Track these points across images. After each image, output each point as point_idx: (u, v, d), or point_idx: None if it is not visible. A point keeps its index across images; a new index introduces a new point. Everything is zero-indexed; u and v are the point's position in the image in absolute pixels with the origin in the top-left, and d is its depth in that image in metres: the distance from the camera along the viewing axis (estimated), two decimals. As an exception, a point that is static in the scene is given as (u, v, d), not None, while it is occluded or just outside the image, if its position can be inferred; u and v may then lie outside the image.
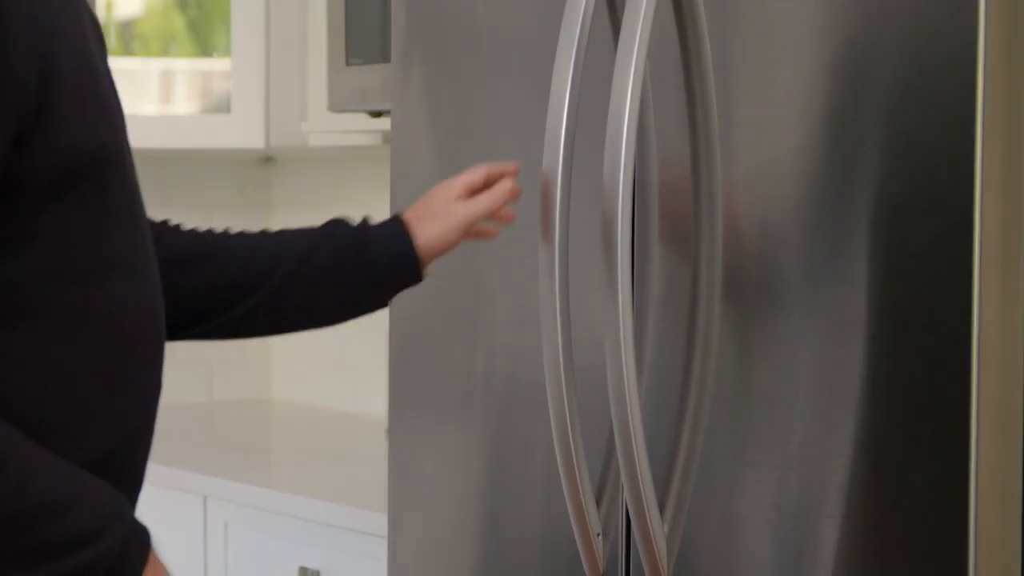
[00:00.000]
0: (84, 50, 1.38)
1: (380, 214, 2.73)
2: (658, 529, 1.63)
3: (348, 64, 2.72)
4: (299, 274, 1.68)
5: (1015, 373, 1.48)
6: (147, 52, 3.18)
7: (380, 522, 2.28)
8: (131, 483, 1.48)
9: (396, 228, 1.75)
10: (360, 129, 2.87)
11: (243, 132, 3.04)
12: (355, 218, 1.79)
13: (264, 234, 1.74)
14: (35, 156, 1.34)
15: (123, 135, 1.45)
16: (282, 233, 1.74)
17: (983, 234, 1.45)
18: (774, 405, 1.59)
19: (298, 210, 3.46)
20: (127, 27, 3.18)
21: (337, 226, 1.75)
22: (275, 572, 2.52)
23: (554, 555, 1.83)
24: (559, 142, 1.67)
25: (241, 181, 3.51)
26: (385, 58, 2.65)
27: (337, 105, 2.75)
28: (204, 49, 3.17)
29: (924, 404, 1.49)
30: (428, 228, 1.75)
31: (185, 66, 3.18)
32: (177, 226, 1.72)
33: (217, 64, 3.14)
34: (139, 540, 1.42)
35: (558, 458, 1.69)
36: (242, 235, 1.73)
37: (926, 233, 1.48)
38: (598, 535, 1.71)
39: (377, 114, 2.75)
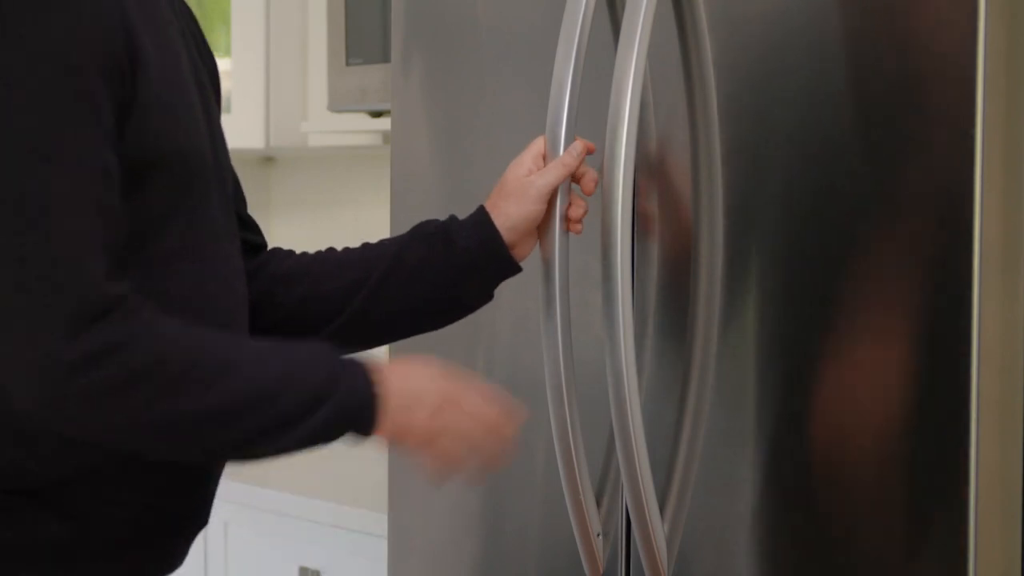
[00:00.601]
0: (173, 50, 1.48)
1: (380, 214, 2.73)
2: (658, 529, 1.63)
3: (348, 64, 2.72)
4: (391, 274, 1.70)
5: (1015, 373, 1.48)
6: (147, 52, 3.18)
7: (380, 522, 2.27)
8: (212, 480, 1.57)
9: (479, 215, 1.74)
10: (360, 129, 2.87)
11: (243, 132, 3.04)
12: (439, 219, 1.80)
13: (363, 245, 1.76)
14: (124, 145, 1.41)
15: (200, 151, 1.52)
16: (380, 242, 1.76)
17: (983, 233, 1.45)
18: (776, 404, 1.59)
19: (298, 210, 3.46)
20: (127, 27, 3.18)
21: (425, 225, 1.76)
22: (275, 572, 2.52)
23: (554, 555, 1.83)
24: (559, 141, 1.67)
25: (241, 181, 3.50)
26: (385, 58, 2.65)
27: (337, 105, 2.75)
28: (204, 49, 3.17)
29: (925, 404, 1.49)
30: (508, 208, 1.73)
31: (185, 66, 3.17)
32: (289, 251, 1.78)
33: (217, 64, 3.14)
34: (363, 381, 1.47)
35: (558, 458, 1.69)
36: (344, 249, 1.76)
37: (928, 230, 1.48)
38: (598, 535, 1.71)
39: (377, 114, 2.75)
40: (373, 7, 2.69)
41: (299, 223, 3.40)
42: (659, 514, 1.64)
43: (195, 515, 1.57)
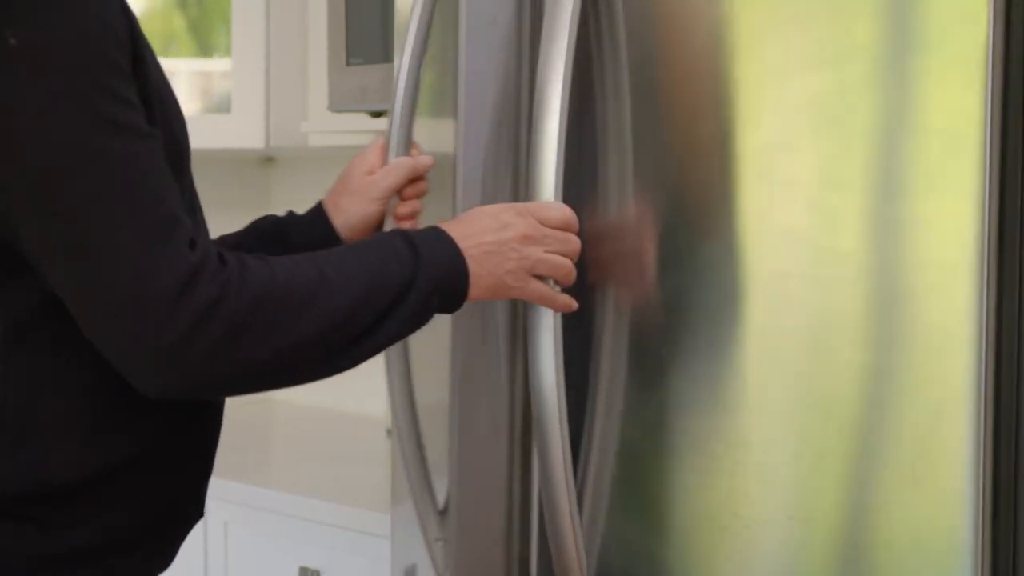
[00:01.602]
0: (151, 50, 1.47)
1: (380, 214, 2.72)
2: (576, 534, 1.59)
3: (348, 64, 2.72)
4: None
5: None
6: (147, 52, 3.18)
7: (380, 522, 2.28)
8: (203, 468, 1.58)
9: (316, 212, 1.78)
10: (360, 129, 2.87)
11: (243, 132, 3.04)
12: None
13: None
14: None
15: (185, 135, 1.53)
16: (220, 237, 1.76)
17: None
18: (733, 407, 1.57)
19: (298, 210, 3.45)
20: (127, 27, 3.18)
21: (263, 220, 1.79)
22: (275, 572, 2.52)
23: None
24: (401, 143, 1.73)
25: (241, 181, 3.50)
26: (385, 58, 2.65)
27: (337, 105, 2.75)
28: (204, 49, 3.17)
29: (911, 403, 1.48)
30: (348, 206, 1.77)
31: (185, 66, 3.17)
32: None
33: (217, 64, 3.14)
34: (441, 249, 1.51)
35: (399, 463, 1.72)
36: None
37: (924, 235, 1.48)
38: (438, 540, 1.74)
39: (377, 114, 2.75)
40: (373, 7, 2.69)
41: (299, 223, 3.39)
42: (578, 518, 1.60)
43: (196, 510, 1.59)
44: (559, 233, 1.55)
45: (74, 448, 1.45)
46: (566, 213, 1.56)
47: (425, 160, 1.78)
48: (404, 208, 1.76)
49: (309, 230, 1.75)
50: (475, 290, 1.53)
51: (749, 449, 1.53)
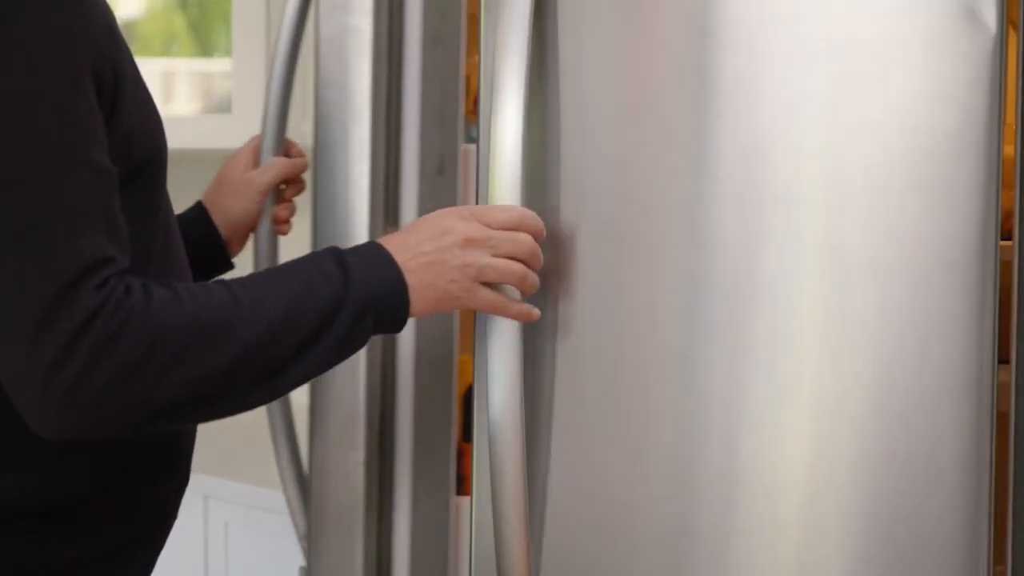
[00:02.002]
0: (131, 58, 1.44)
1: (380, 214, 2.71)
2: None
3: (348, 64, 2.72)
4: None
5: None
6: (148, 52, 3.18)
7: (380, 522, 2.27)
8: (183, 476, 1.54)
9: (196, 211, 1.78)
10: (360, 129, 2.87)
11: (243, 132, 3.03)
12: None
13: None
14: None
15: (165, 146, 1.49)
16: None
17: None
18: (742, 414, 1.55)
19: (299, 210, 3.45)
20: (128, 28, 3.18)
21: None
22: (275, 572, 2.51)
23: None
24: (275, 139, 1.78)
25: (242, 181, 3.50)
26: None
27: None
28: (205, 49, 3.17)
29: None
30: (228, 204, 1.78)
31: (186, 66, 3.17)
32: None
33: (218, 64, 3.14)
34: (373, 267, 1.41)
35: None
36: None
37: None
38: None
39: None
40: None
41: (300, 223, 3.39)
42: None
43: (176, 513, 1.57)
44: (507, 234, 1.42)
45: (70, 464, 1.43)
46: (513, 213, 1.42)
47: (300, 159, 1.80)
48: (282, 212, 1.78)
49: (191, 228, 1.71)
50: (417, 305, 1.41)
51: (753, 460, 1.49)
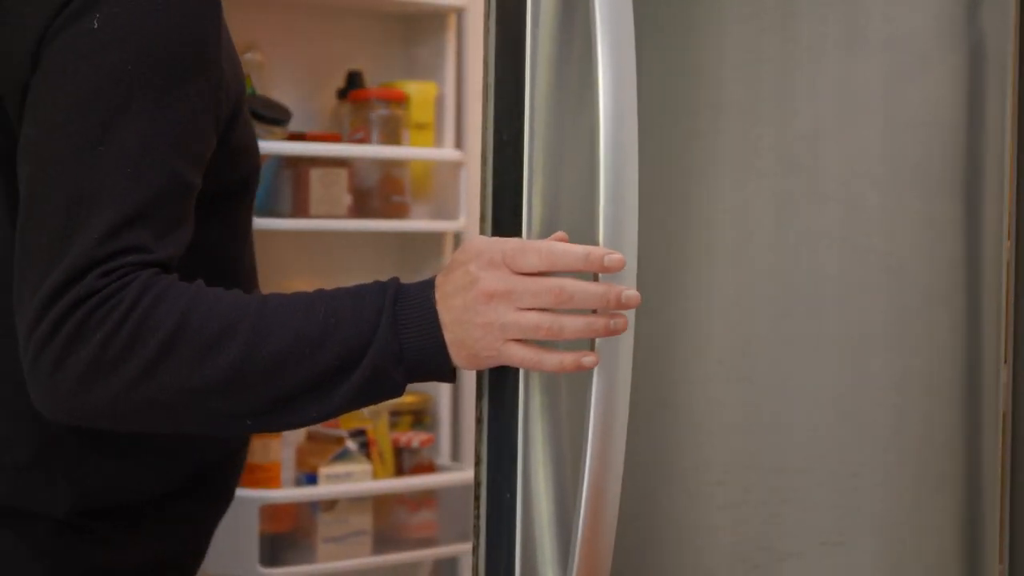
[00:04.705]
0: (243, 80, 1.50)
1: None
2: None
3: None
4: None
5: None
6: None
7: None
8: (225, 494, 1.56)
9: None
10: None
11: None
12: None
13: None
14: (213, 170, 1.38)
15: (259, 164, 1.55)
16: None
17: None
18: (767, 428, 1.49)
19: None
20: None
21: None
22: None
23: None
24: None
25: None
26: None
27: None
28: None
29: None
30: None
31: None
32: None
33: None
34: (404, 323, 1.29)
35: None
36: None
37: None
38: None
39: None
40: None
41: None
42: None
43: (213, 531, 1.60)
44: (531, 284, 1.27)
45: (141, 467, 1.45)
46: (544, 255, 1.27)
47: None
48: None
49: None
50: (458, 360, 1.30)
51: (783, 474, 1.44)
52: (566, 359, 1.28)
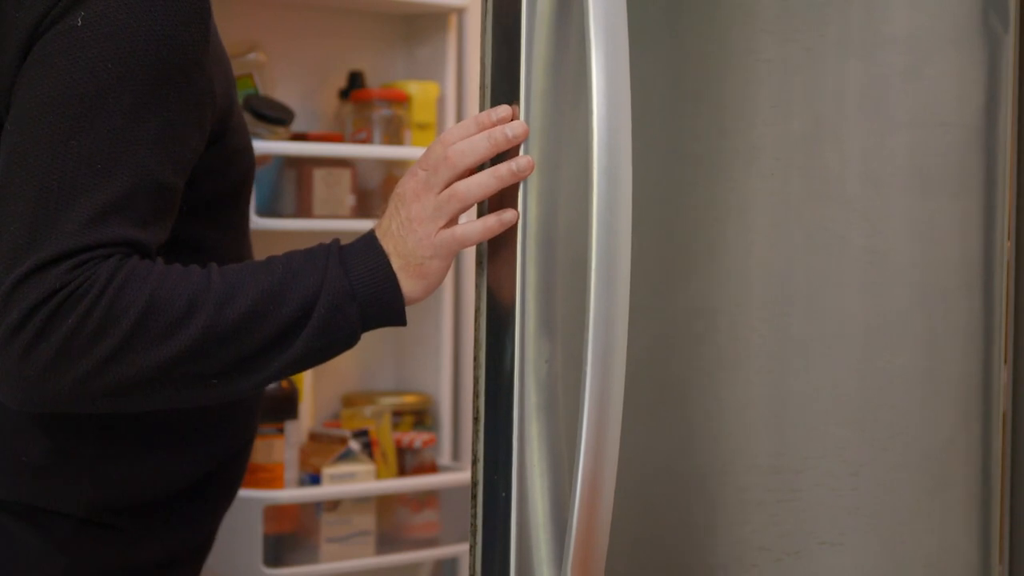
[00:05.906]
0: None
1: (379, 202, 2.68)
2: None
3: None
4: None
5: None
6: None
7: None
8: (233, 489, 1.59)
9: None
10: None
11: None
12: None
13: None
14: (208, 173, 1.43)
15: (252, 164, 1.57)
16: None
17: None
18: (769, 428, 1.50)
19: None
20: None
21: None
22: (276, 574, 2.50)
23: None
24: None
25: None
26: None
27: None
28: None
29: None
30: None
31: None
32: None
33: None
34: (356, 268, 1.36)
35: None
36: None
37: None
38: None
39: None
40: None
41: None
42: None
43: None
44: (436, 166, 1.35)
45: (158, 464, 1.49)
46: (441, 140, 1.36)
47: None
48: None
49: None
50: (409, 285, 1.36)
51: (782, 474, 1.44)
52: (488, 219, 1.34)
